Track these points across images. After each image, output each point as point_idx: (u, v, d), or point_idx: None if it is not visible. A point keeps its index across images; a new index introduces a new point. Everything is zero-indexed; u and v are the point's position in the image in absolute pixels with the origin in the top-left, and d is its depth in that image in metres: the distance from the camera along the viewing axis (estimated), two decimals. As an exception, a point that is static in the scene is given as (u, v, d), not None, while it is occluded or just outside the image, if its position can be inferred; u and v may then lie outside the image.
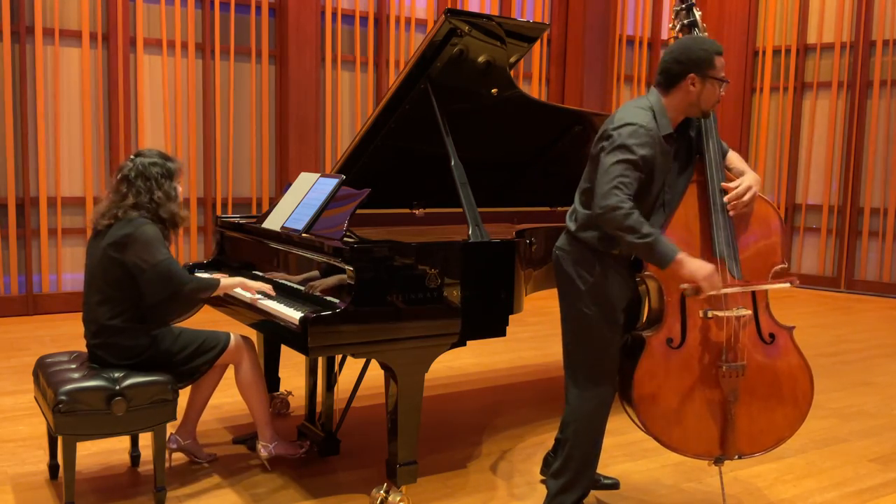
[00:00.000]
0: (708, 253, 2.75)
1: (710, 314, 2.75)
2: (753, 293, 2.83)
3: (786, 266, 2.88)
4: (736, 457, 2.85)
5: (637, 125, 2.62)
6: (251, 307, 3.12)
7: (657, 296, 2.80)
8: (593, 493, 3.19)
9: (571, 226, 2.84)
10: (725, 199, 2.78)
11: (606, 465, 3.41)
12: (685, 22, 2.98)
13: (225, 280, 3.15)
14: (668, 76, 2.71)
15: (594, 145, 2.76)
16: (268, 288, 3.15)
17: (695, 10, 2.99)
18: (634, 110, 2.69)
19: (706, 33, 2.97)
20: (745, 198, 2.78)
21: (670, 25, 3.06)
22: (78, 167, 6.55)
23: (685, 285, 2.66)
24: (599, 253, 2.76)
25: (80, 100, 6.51)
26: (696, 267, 2.59)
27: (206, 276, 3.28)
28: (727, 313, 2.76)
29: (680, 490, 3.27)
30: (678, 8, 3.00)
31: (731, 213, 2.77)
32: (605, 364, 2.80)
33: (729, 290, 2.71)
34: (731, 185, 2.80)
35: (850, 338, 6.36)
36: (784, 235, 2.88)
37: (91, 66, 6.51)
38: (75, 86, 6.50)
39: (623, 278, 2.80)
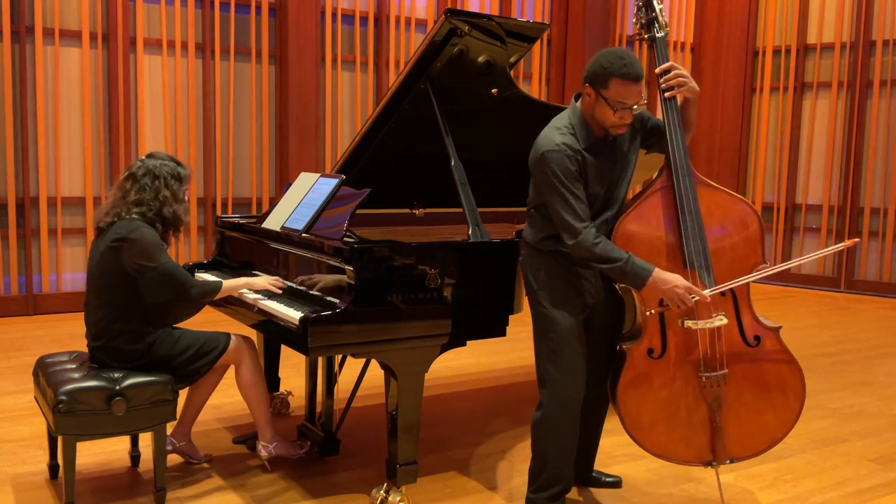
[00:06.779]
0: (679, 263, 2.70)
1: (685, 324, 2.72)
2: (735, 297, 2.78)
3: (767, 265, 2.81)
4: (727, 461, 2.83)
5: (554, 150, 2.60)
6: (251, 307, 3.12)
7: (637, 307, 2.77)
8: (594, 491, 3.19)
9: (524, 228, 2.89)
10: (663, 79, 2.74)
11: (606, 465, 3.41)
12: (643, 21, 2.90)
13: (228, 282, 3.15)
14: (584, 80, 2.69)
15: (530, 165, 2.74)
16: (276, 281, 3.14)
17: (655, 4, 2.87)
18: (552, 135, 2.66)
19: (667, 29, 2.88)
20: (677, 72, 2.73)
21: (633, 20, 2.98)
22: (78, 167, 6.55)
23: (650, 312, 2.67)
24: (546, 252, 2.77)
25: (80, 100, 6.51)
26: (667, 289, 2.58)
27: (209, 277, 3.28)
28: (702, 325, 2.72)
29: (680, 490, 3.27)
30: (638, 4, 2.92)
31: (674, 89, 2.73)
32: (564, 363, 2.75)
33: (708, 293, 2.65)
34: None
35: (850, 338, 6.36)
36: (763, 233, 2.82)
37: (91, 66, 6.51)
38: (75, 86, 6.50)
39: (579, 277, 2.78)
